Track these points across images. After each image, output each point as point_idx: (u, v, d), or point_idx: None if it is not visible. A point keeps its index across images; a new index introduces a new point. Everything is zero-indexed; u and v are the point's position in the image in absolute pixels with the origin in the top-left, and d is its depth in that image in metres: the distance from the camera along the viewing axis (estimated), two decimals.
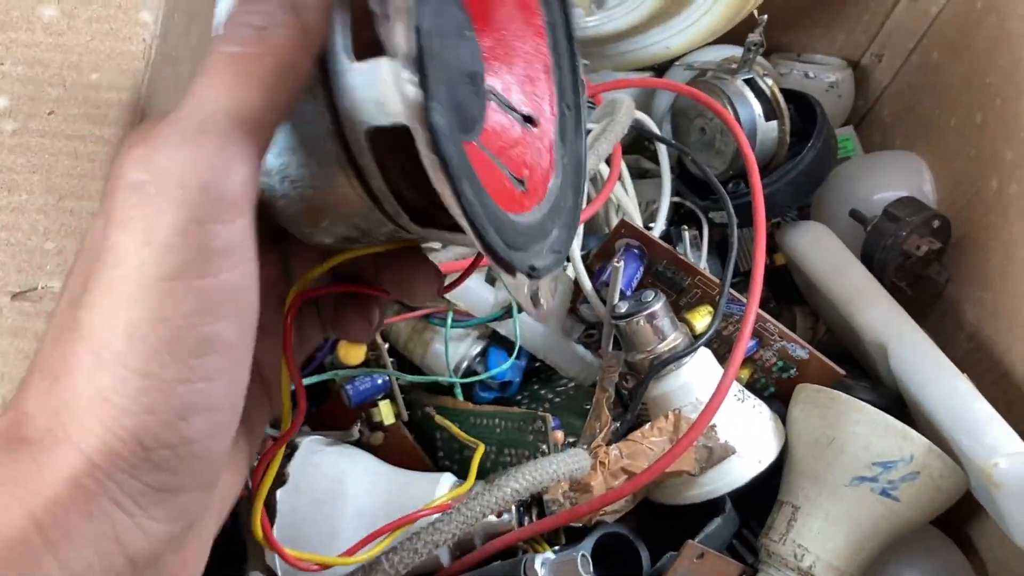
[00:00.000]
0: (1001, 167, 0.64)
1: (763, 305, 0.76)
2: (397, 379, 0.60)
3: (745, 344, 0.55)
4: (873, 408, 0.55)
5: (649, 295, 0.58)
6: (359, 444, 0.61)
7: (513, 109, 0.34)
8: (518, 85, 0.35)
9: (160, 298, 0.25)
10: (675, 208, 0.75)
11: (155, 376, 0.25)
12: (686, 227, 0.71)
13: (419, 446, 0.61)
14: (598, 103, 0.68)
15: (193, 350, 0.25)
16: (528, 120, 0.35)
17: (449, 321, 0.60)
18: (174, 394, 0.25)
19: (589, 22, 0.72)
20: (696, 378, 0.58)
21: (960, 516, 0.61)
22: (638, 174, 0.79)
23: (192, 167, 0.25)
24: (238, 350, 0.27)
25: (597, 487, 0.54)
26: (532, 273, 0.30)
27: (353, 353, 0.60)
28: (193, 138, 0.25)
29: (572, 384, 0.64)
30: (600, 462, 0.55)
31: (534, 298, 0.30)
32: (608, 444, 0.56)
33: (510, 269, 0.28)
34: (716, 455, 0.56)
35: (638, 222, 0.68)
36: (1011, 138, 0.63)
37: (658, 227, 0.70)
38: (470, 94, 0.30)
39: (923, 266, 0.67)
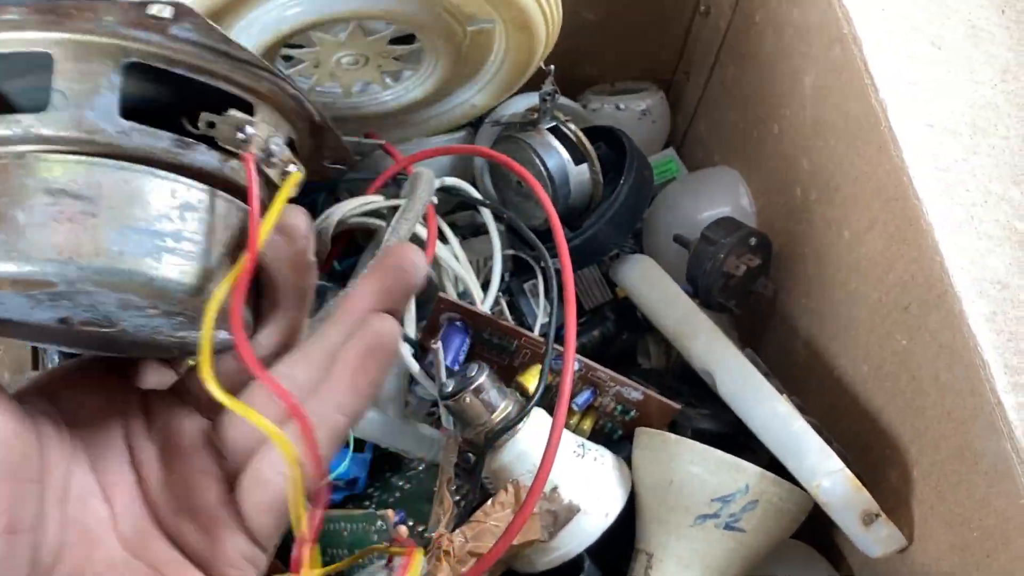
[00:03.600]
0: (801, 176, 0.65)
1: (614, 338, 0.77)
2: None
3: (565, 405, 0.54)
4: (703, 446, 0.55)
5: (473, 369, 0.58)
6: None
7: None
8: None
9: None
10: (513, 260, 0.75)
11: None
12: (503, 296, 0.71)
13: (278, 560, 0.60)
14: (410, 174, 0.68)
15: None
16: None
17: None
18: None
19: (386, 96, 0.72)
20: (532, 444, 0.57)
21: (824, 526, 0.61)
22: (472, 231, 0.79)
23: None
24: None
25: None
26: None
27: None
28: None
29: (422, 467, 0.63)
30: (444, 552, 0.54)
31: None
32: (453, 529, 0.55)
33: None
34: (562, 517, 0.56)
35: (472, 285, 0.68)
36: (804, 147, 0.64)
37: (493, 286, 0.70)
38: None
39: (748, 283, 0.67)
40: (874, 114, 0.54)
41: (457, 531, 0.55)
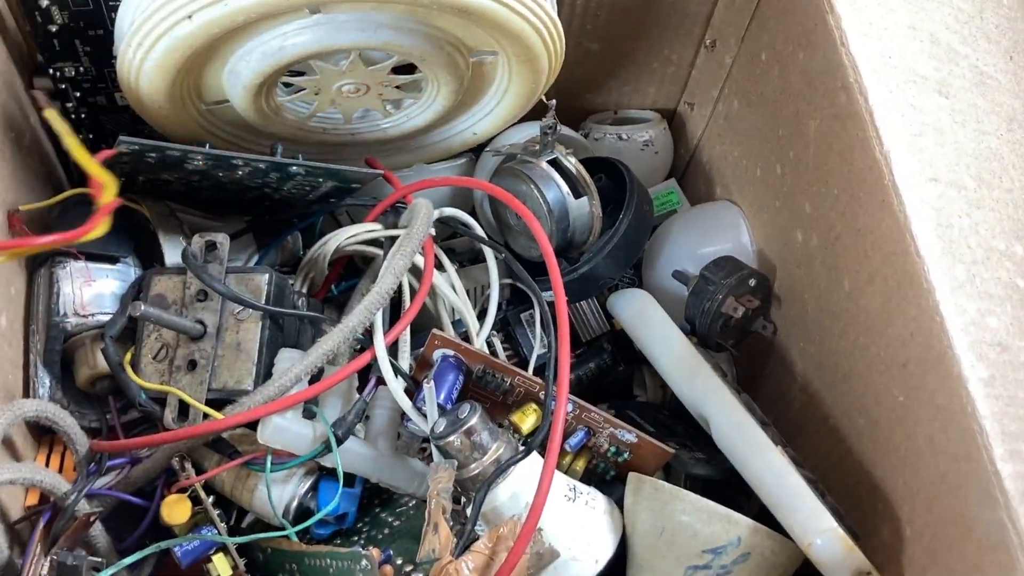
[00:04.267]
0: (803, 219, 0.64)
1: (611, 370, 0.76)
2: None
3: (556, 450, 0.54)
4: (695, 496, 0.54)
5: (465, 409, 0.57)
6: None
7: None
8: None
9: None
10: (511, 288, 0.75)
11: None
12: (497, 335, 0.70)
13: None
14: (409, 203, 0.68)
15: None
16: None
17: (268, 466, 0.58)
18: None
19: (387, 123, 0.72)
20: (524, 486, 0.57)
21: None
22: (470, 258, 0.79)
23: None
24: None
25: None
26: None
27: (177, 512, 0.58)
28: None
29: (413, 503, 0.63)
30: None
31: None
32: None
33: None
34: (544, 560, 0.56)
35: (468, 316, 0.68)
36: (807, 191, 0.63)
37: (489, 317, 0.69)
38: None
39: (747, 323, 0.67)
40: (877, 167, 0.54)
41: (461, 560, 0.54)
